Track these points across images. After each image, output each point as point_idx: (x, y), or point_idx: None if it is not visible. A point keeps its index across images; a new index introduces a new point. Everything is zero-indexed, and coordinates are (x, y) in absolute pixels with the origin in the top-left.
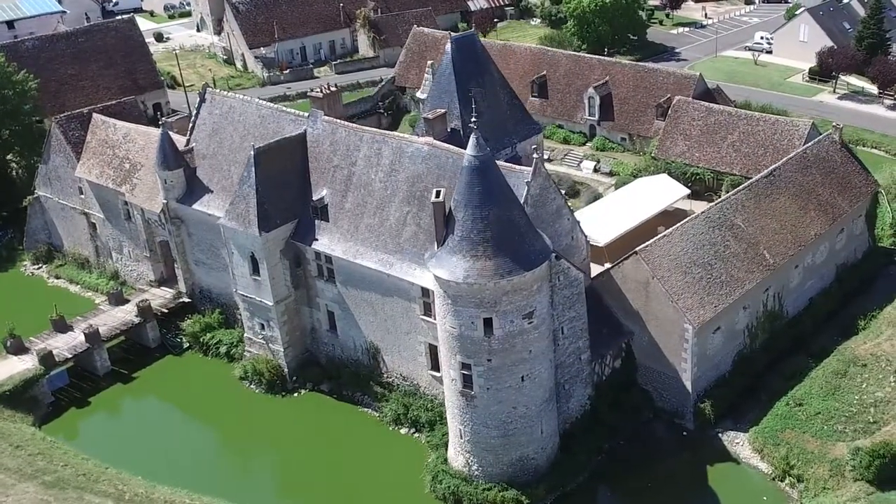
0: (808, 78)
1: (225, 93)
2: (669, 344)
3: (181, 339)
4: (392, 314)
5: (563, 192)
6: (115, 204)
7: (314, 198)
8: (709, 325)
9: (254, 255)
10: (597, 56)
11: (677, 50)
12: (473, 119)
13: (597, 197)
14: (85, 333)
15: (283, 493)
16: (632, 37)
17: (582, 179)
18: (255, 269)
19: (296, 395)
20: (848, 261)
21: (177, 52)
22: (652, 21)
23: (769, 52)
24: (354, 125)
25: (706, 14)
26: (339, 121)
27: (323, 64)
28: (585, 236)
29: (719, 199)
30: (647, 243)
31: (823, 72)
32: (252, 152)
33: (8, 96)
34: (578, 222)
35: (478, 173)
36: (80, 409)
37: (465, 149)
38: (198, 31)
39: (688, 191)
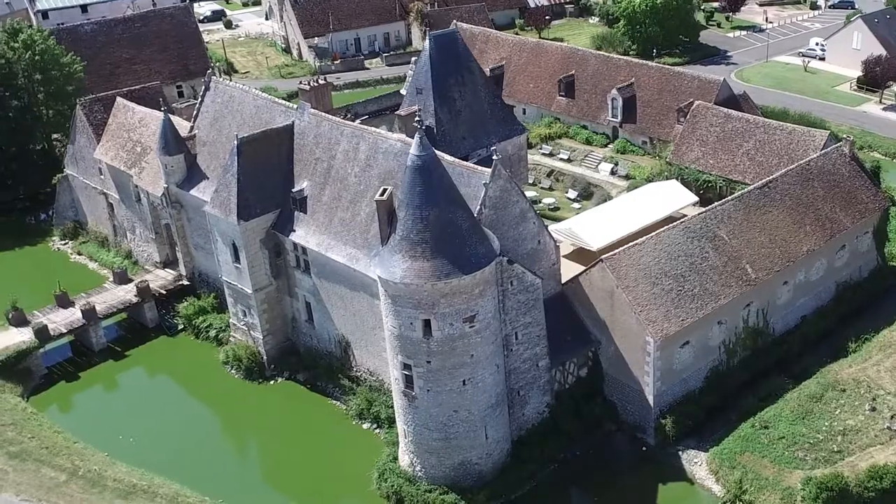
0: (855, 87)
1: (227, 81)
2: (633, 356)
3: (176, 320)
4: (359, 309)
5: (578, 193)
6: (127, 186)
7: (295, 189)
8: (674, 338)
9: (234, 242)
10: (624, 57)
11: (729, 54)
12: (417, 119)
13: (606, 200)
14: (82, 310)
15: (235, 478)
16: (683, 38)
17: (597, 181)
18: (237, 257)
19: (272, 382)
20: (851, 279)
21: (223, 39)
22: (710, 23)
23: (822, 58)
24: (338, 119)
25: (767, 18)
26: (323, 114)
27: (375, 56)
28: (555, 241)
29: (704, 209)
30: (615, 251)
31: (871, 81)
32: (235, 142)
33: (54, 77)
34: (546, 227)
35: (419, 173)
36: (69, 384)
37: (435, 147)
38: (266, 19)
39: (696, 198)
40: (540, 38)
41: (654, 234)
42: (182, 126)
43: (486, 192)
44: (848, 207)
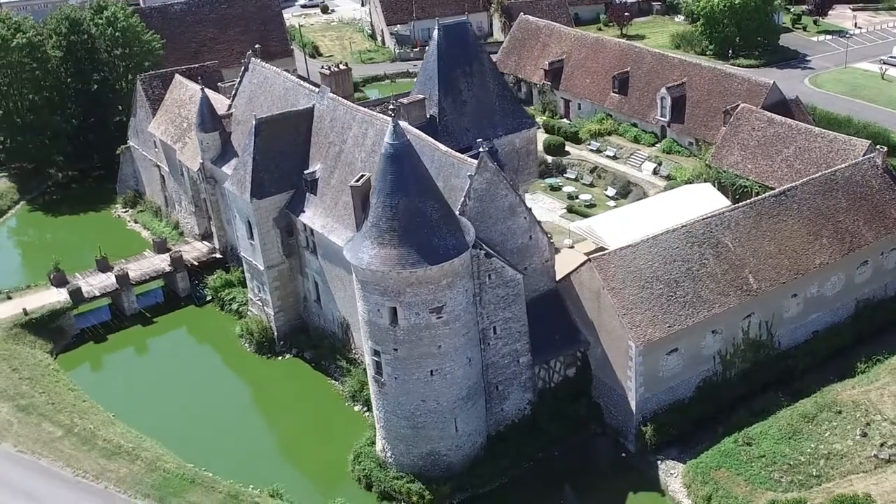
0: None
1: (263, 63)
2: (618, 359)
3: (205, 291)
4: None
5: (616, 191)
6: (174, 159)
7: (308, 171)
8: (658, 345)
9: (249, 219)
10: (679, 56)
11: (808, 58)
12: (391, 108)
13: (641, 199)
14: (116, 275)
15: (223, 449)
16: (761, 41)
17: (637, 180)
18: (251, 234)
19: (280, 358)
20: (874, 297)
21: (301, 26)
22: (797, 26)
23: None
24: (352, 104)
25: (856, 23)
26: (340, 98)
27: None
28: (549, 237)
29: (709, 214)
30: (605, 251)
31: None
32: (254, 122)
33: (134, 53)
34: (539, 222)
35: (392, 161)
36: (97, 345)
37: (436, 136)
38: (362, 5)
39: (729, 202)
40: (621, 34)
41: (651, 236)
42: (224, 105)
43: (471, 183)
44: (873, 221)
